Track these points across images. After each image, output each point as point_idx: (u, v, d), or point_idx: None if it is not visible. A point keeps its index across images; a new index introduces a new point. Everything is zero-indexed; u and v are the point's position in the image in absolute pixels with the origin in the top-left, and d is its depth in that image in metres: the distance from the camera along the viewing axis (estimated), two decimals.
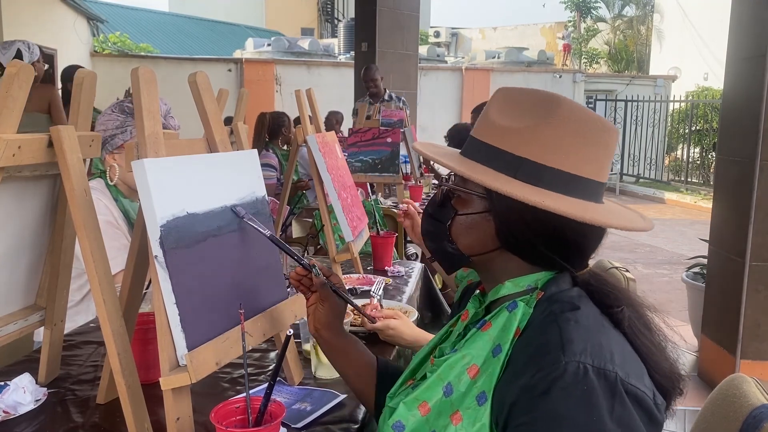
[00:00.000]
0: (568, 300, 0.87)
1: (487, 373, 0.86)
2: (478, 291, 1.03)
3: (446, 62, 16.72)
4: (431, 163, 4.79)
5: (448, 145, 5.20)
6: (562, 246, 0.90)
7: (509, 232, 0.91)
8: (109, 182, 1.99)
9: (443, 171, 5.16)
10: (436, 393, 0.88)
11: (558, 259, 0.90)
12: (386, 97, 5.93)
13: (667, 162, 14.48)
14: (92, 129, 1.28)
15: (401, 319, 1.64)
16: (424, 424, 0.87)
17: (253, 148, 4.33)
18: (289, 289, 1.32)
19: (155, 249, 1.01)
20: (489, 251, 0.94)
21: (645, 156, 13.85)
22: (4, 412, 1.21)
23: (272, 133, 4.46)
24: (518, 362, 0.84)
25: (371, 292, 1.92)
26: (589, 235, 0.91)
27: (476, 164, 0.92)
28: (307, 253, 2.22)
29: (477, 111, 5.12)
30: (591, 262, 0.96)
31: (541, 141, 0.89)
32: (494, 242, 0.93)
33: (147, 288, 1.36)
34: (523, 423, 0.79)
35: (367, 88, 5.98)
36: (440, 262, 1.03)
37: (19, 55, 4.53)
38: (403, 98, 6.08)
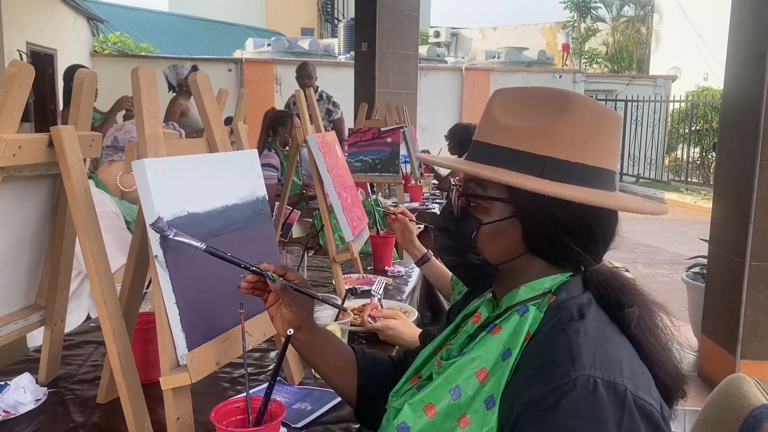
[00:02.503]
0: (577, 308, 0.87)
1: (496, 376, 0.85)
2: (490, 295, 1.01)
3: (446, 62, 16.71)
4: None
5: (449, 144, 5.19)
6: (591, 241, 0.90)
7: (539, 233, 0.89)
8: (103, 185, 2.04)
9: (443, 172, 5.16)
10: (444, 395, 0.87)
11: (586, 257, 0.90)
12: (317, 97, 5.78)
13: (667, 162, 14.49)
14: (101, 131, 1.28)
15: (401, 319, 1.64)
16: (430, 427, 0.86)
17: (259, 144, 4.27)
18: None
19: (155, 249, 1.01)
20: (516, 257, 0.92)
21: (645, 156, 13.85)
22: (4, 411, 1.21)
23: (273, 131, 4.44)
24: (527, 369, 0.83)
25: (372, 291, 1.93)
26: (614, 227, 0.93)
27: (497, 169, 0.89)
28: (307, 254, 2.22)
29: (452, 133, 5.09)
30: None
31: (562, 137, 0.88)
32: (521, 247, 0.91)
33: (147, 288, 1.36)
34: None
35: (301, 85, 5.83)
36: (462, 276, 1.00)
37: (167, 79, 5.27)
38: (333, 99, 5.90)
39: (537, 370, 0.81)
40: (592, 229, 0.90)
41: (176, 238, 1.01)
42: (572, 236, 0.89)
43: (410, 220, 2.11)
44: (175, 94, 5.40)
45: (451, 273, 2.01)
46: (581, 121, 0.88)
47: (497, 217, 0.91)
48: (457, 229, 0.94)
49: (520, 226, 0.90)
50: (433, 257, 2.09)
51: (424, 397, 0.88)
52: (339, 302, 1.57)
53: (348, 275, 2.24)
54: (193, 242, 1.01)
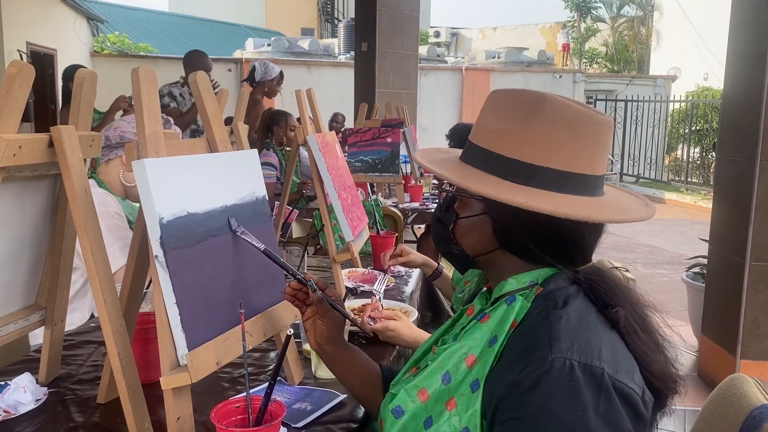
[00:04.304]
0: (563, 297, 0.89)
1: (482, 361, 0.89)
2: (485, 288, 1.05)
3: (446, 62, 16.71)
4: None
5: (449, 144, 5.18)
6: (559, 243, 0.91)
7: (505, 232, 0.93)
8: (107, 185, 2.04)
9: None
10: (435, 381, 0.91)
11: (549, 259, 0.92)
12: None
13: (667, 162, 14.48)
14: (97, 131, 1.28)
15: (401, 320, 1.63)
16: (422, 410, 0.90)
17: (258, 144, 4.26)
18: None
19: (155, 249, 1.01)
20: (490, 251, 0.96)
21: (645, 156, 13.85)
22: (4, 411, 1.21)
23: (269, 130, 4.45)
24: (510, 355, 0.86)
25: (373, 290, 1.92)
26: (586, 231, 0.91)
27: (471, 168, 0.94)
28: (307, 254, 2.22)
29: (452, 133, 5.09)
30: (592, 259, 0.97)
31: (528, 140, 0.90)
32: (493, 243, 0.95)
33: (147, 288, 1.36)
34: (510, 418, 0.82)
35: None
36: (452, 263, 1.06)
37: (252, 71, 5.03)
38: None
39: (518, 355, 0.84)
40: (557, 232, 0.90)
41: (242, 236, 1.16)
42: (533, 237, 0.91)
43: (405, 255, 2.15)
44: (251, 87, 5.00)
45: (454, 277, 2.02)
46: (551, 125, 0.89)
47: (470, 212, 0.96)
48: (444, 220, 1.03)
49: (490, 223, 0.94)
50: (445, 271, 2.10)
51: (418, 382, 0.92)
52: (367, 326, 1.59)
53: (353, 269, 2.24)
54: (254, 243, 1.16)
